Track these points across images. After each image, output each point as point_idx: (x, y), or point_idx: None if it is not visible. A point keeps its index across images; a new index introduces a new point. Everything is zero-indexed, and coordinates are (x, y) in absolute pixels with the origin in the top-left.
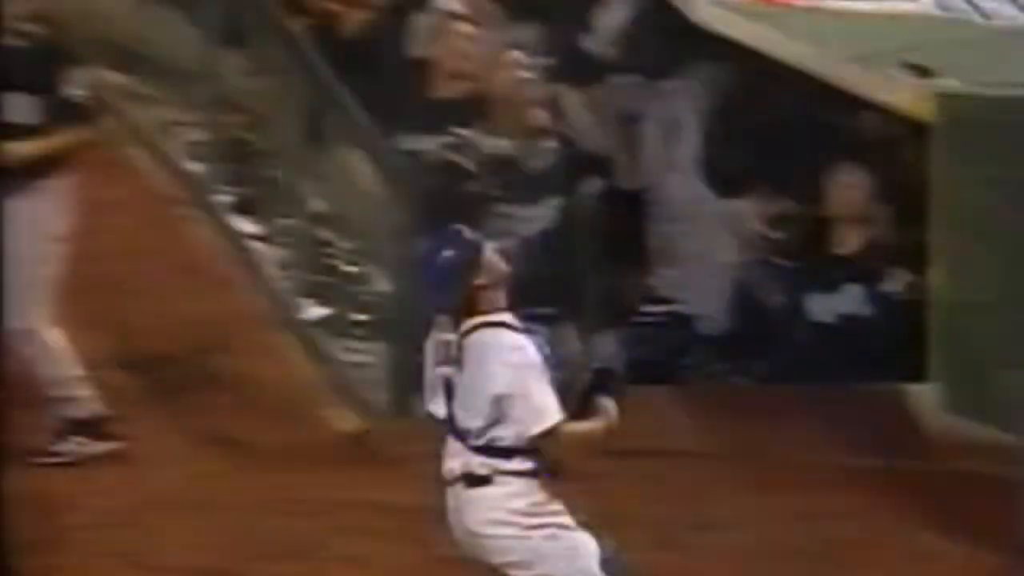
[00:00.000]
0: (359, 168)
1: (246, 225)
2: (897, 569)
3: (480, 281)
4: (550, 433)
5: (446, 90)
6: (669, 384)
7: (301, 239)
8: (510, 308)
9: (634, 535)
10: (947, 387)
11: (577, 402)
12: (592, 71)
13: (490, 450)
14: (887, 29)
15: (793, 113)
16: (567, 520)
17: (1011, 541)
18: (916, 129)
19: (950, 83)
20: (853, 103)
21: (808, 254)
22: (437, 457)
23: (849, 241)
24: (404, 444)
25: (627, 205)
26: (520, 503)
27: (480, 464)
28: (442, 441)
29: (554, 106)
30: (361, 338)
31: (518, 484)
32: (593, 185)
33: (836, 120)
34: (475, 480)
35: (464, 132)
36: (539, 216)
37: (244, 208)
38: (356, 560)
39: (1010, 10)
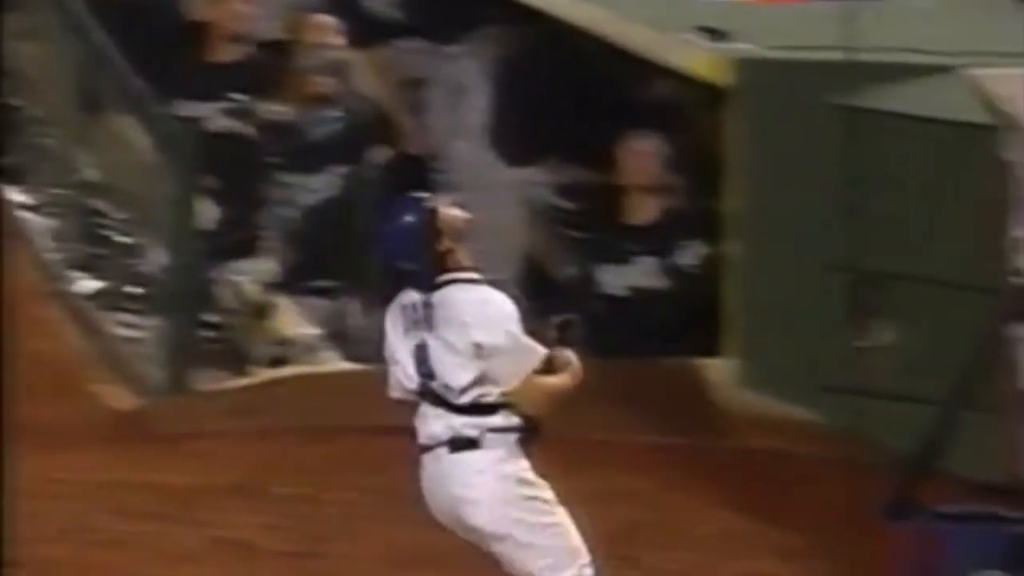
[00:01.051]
0: (134, 136)
1: (15, 195)
2: (694, 547)
3: (443, 242)
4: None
5: (223, 54)
6: None
7: (73, 209)
8: (463, 268)
9: (421, 515)
10: (743, 362)
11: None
12: (377, 34)
13: (475, 408)
14: None
15: (585, 78)
16: (551, 494)
17: (806, 518)
18: (712, 94)
19: (745, 47)
20: (647, 68)
21: (600, 225)
22: (216, 436)
23: (642, 211)
24: (180, 422)
25: (413, 173)
26: (509, 468)
27: (465, 425)
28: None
29: (339, 71)
30: (136, 312)
31: (505, 448)
32: (378, 153)
33: (629, 85)
34: (462, 443)
35: (243, 98)
36: (322, 185)
37: (13, 177)
38: (125, 543)
39: None
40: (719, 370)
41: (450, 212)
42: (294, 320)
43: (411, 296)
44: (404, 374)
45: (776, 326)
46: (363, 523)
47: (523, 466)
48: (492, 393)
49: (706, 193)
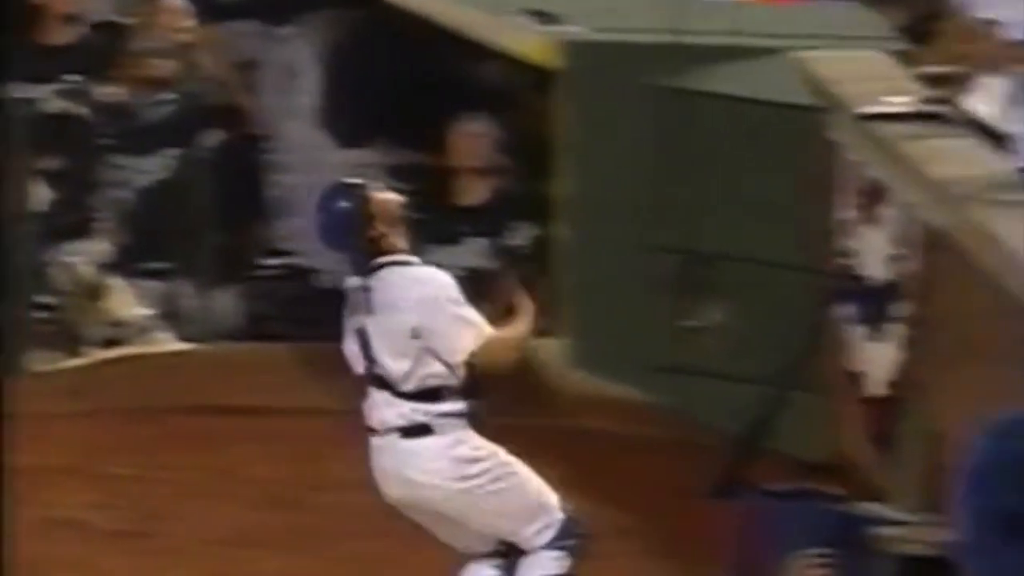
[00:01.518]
0: None
1: None
2: None
3: (376, 227)
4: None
5: (57, 36)
6: (289, 340)
7: None
8: (399, 250)
9: (253, 494)
10: (573, 342)
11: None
12: (209, 16)
13: (422, 394)
14: None
15: (416, 61)
16: (507, 456)
17: (638, 496)
18: (542, 77)
19: (574, 30)
20: (478, 50)
21: (431, 206)
22: (49, 416)
23: (473, 193)
24: (12, 403)
25: (246, 155)
26: (463, 450)
27: (414, 411)
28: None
29: (183, 54)
30: None
31: (457, 431)
32: (213, 136)
33: (460, 68)
34: (415, 430)
35: (77, 79)
36: (156, 167)
37: None
38: None
39: None
40: (550, 350)
41: (382, 197)
42: (127, 301)
43: (353, 280)
44: (353, 357)
45: (605, 306)
46: (194, 502)
47: (475, 443)
48: (438, 377)
49: (536, 175)
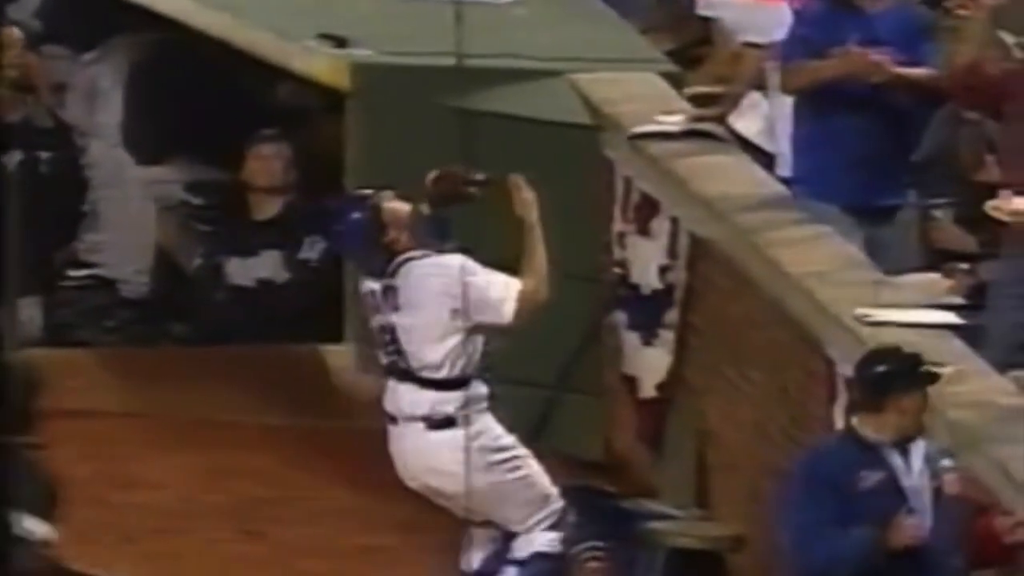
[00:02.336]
0: None
1: None
2: (316, 522)
3: (389, 233)
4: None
5: None
6: (94, 347)
7: None
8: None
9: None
10: (362, 348)
11: None
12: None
13: (451, 382)
14: (308, 2)
15: (214, 83)
16: (521, 450)
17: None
18: (333, 98)
19: (363, 53)
20: (272, 72)
21: (228, 220)
22: None
23: (268, 208)
24: None
25: (52, 171)
26: (484, 440)
27: (439, 401)
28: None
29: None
30: None
31: (479, 419)
32: (15, 154)
33: (255, 89)
34: (440, 422)
35: None
36: None
37: None
38: None
39: None
40: (340, 355)
41: (392, 205)
42: None
43: (368, 284)
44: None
45: None
46: None
47: (495, 433)
48: (473, 357)
49: (328, 191)
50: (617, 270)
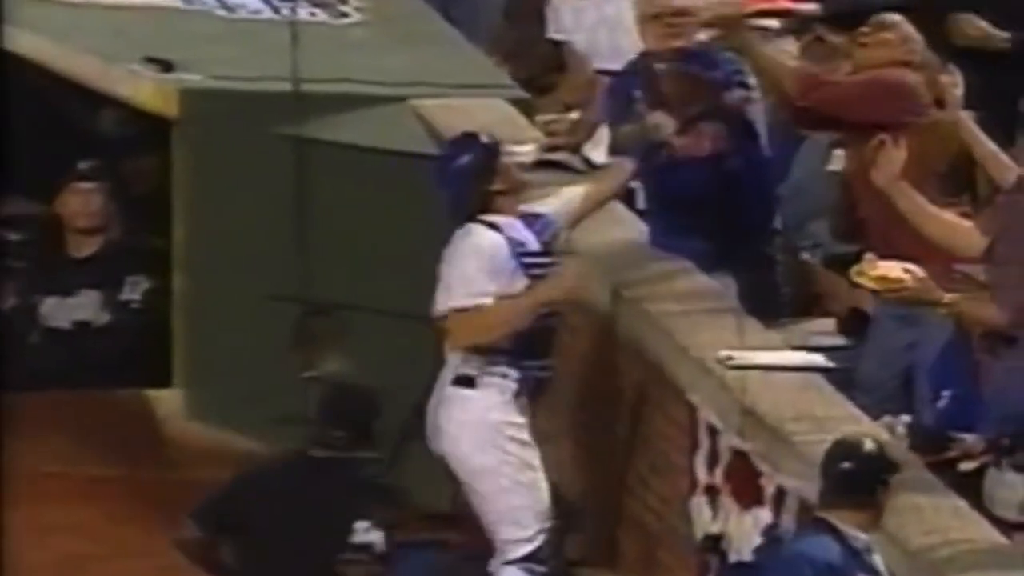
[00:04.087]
0: None
1: None
2: None
3: (496, 186)
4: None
5: None
6: None
7: None
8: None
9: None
10: (193, 393)
11: None
12: None
13: (478, 347)
14: (132, 23)
15: (32, 110)
16: (536, 460)
17: None
18: (160, 126)
19: (193, 78)
20: (94, 99)
21: (44, 257)
22: None
23: (86, 246)
24: None
25: None
26: (496, 416)
27: (464, 361)
28: None
29: None
30: None
31: (500, 396)
32: None
33: (75, 117)
34: (461, 380)
35: None
36: None
37: None
38: None
39: (255, 4)
40: (168, 401)
41: (509, 159)
42: None
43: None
44: None
45: (226, 357)
46: None
47: (514, 420)
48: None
49: (153, 226)
50: None
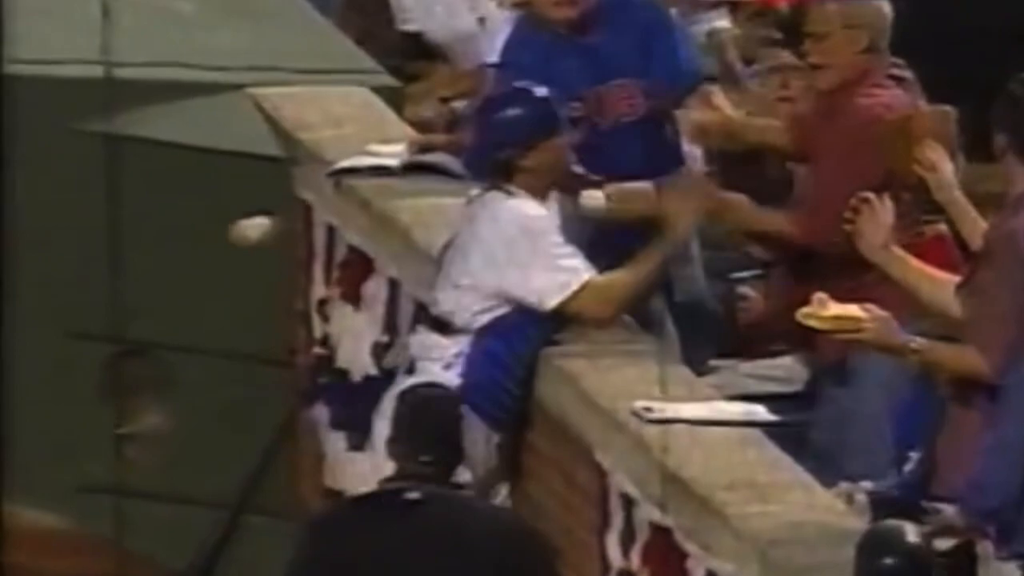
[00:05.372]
0: None
1: None
2: None
3: (530, 156)
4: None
5: None
6: None
7: None
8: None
9: None
10: None
11: None
12: None
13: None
14: None
15: None
16: None
17: None
18: None
19: None
20: None
21: None
22: None
23: None
24: None
25: None
26: None
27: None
28: None
29: None
30: None
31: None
32: None
33: None
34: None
35: None
36: None
37: None
38: None
39: None
40: None
41: (557, 142)
42: None
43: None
44: None
45: (22, 413)
46: None
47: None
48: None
49: None
50: (318, 350)
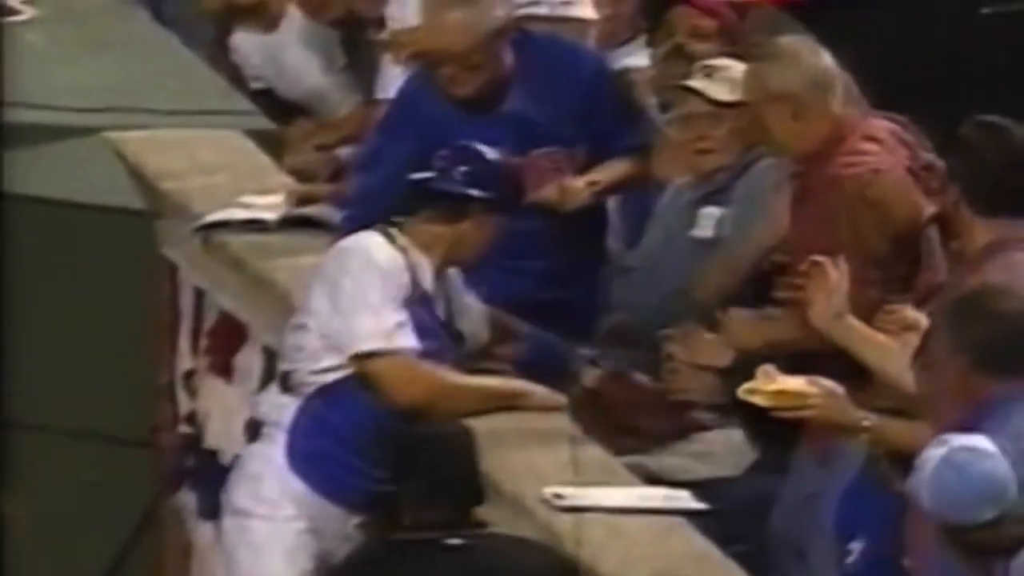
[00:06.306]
0: None
1: None
2: None
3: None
4: None
5: None
6: None
7: None
8: None
9: None
10: None
11: None
12: None
13: None
14: None
15: None
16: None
17: None
18: None
19: None
20: None
21: None
22: None
23: None
24: None
25: None
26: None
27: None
28: None
29: None
30: None
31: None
32: None
33: None
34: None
35: None
36: None
37: None
38: None
39: None
40: None
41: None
42: None
43: None
44: None
45: None
46: None
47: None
48: None
49: None
50: (184, 429)
